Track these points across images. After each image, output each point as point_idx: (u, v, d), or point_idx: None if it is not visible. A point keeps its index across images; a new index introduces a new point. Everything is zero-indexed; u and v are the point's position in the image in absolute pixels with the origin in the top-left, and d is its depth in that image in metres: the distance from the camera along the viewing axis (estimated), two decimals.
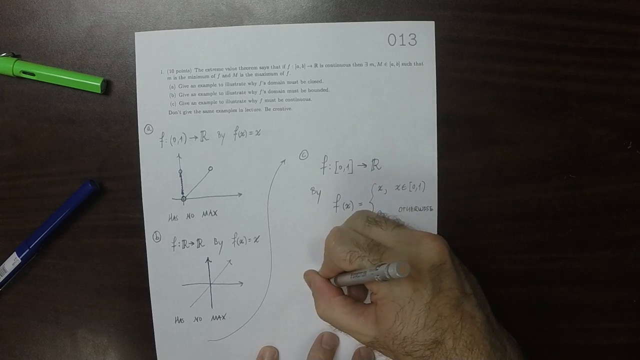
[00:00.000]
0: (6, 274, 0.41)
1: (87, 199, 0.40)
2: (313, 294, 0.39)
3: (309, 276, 0.40)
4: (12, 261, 0.41)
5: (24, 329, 0.43)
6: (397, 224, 0.36)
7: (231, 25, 0.40)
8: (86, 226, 0.42)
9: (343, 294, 0.38)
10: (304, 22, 0.41)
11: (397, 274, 0.28)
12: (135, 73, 0.40)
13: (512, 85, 0.41)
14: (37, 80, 0.40)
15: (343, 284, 0.37)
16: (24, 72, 0.39)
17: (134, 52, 0.40)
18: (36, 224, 0.41)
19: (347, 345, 0.42)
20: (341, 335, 0.42)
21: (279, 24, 0.41)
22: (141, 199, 0.41)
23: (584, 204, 0.42)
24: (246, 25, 0.40)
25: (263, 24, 0.41)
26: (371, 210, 0.42)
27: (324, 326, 0.42)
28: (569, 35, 0.41)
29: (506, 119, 0.42)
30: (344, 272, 0.36)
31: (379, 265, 0.31)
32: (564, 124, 0.42)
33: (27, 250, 0.40)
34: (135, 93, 0.40)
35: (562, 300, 0.43)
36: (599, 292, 0.43)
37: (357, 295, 0.40)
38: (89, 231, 0.42)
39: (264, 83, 0.41)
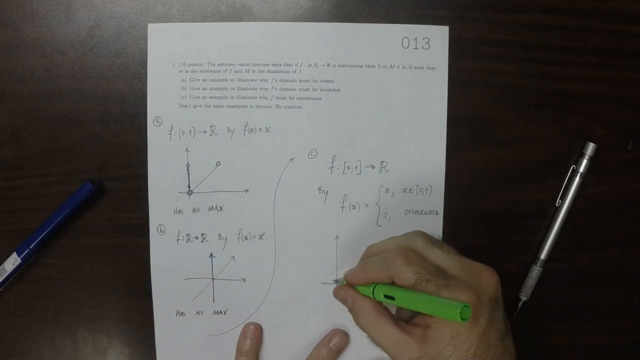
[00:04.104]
0: (6, 274, 0.41)
1: (87, 199, 0.40)
2: (352, 307, 0.37)
3: (346, 293, 0.37)
4: (12, 261, 0.41)
5: (24, 329, 0.43)
6: (456, 251, 0.35)
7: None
8: (86, 226, 0.42)
9: (386, 309, 0.36)
10: (304, 22, 0.41)
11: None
12: (135, 73, 0.40)
13: (512, 85, 0.41)
14: (37, 80, 0.40)
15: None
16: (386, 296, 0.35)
17: (134, 52, 0.40)
18: (36, 224, 0.41)
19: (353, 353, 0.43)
20: (352, 338, 0.42)
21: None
22: (142, 198, 0.41)
23: (584, 204, 0.43)
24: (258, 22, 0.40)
25: None
26: (378, 212, 0.42)
27: (328, 325, 0.42)
28: (569, 35, 0.41)
29: (506, 119, 0.42)
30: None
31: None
32: (564, 124, 0.42)
33: (27, 250, 0.40)
34: (135, 93, 0.40)
35: (562, 300, 0.43)
36: (599, 292, 0.43)
37: (403, 315, 0.38)
38: (89, 231, 0.42)
39: (276, 80, 0.41)
